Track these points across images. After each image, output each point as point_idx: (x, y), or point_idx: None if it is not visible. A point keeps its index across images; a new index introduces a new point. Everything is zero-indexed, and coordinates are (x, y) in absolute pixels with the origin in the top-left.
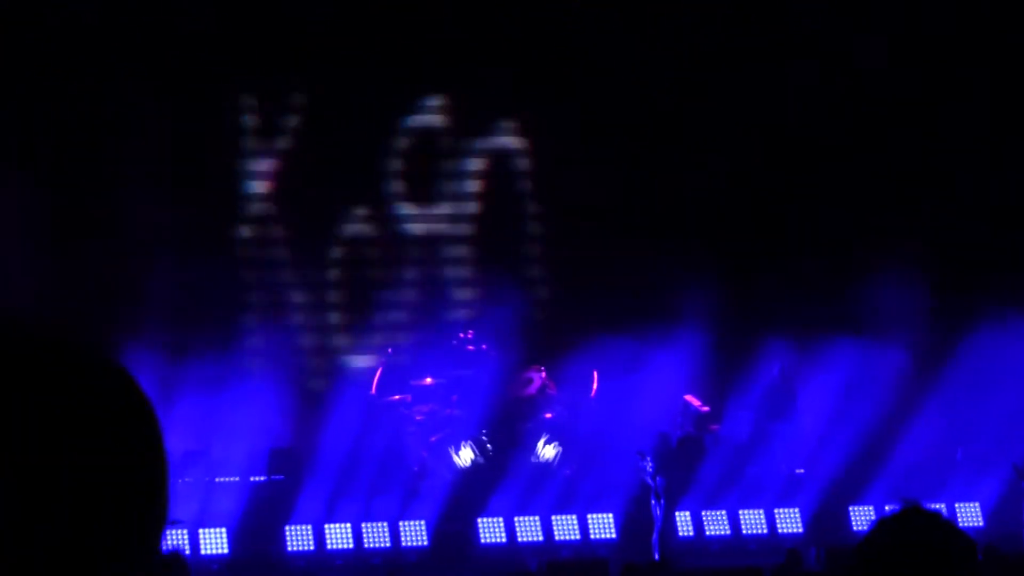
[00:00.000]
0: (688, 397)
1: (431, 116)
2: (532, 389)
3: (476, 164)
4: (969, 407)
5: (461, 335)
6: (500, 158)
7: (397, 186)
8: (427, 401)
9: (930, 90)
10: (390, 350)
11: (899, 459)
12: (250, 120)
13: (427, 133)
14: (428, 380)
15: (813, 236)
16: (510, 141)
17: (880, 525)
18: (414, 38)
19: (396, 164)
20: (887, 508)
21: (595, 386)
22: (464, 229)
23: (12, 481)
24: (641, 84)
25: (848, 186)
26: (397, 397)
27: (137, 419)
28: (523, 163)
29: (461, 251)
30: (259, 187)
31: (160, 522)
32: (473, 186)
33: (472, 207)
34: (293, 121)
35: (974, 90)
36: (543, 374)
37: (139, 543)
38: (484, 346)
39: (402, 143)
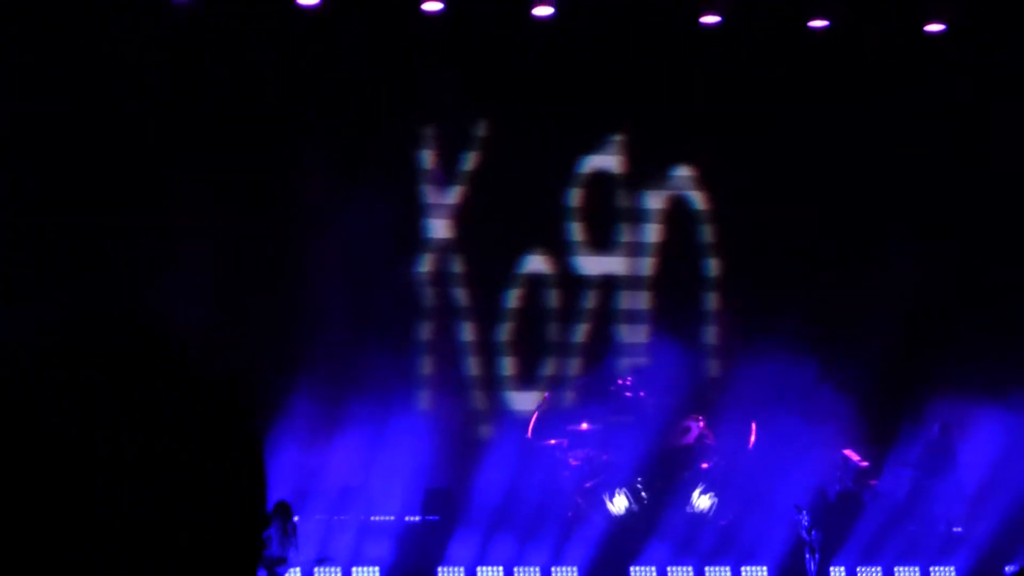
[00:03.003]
0: (847, 451)
1: (608, 157)
2: (690, 438)
3: (654, 205)
4: None
5: (620, 381)
6: (677, 200)
7: (575, 227)
8: (583, 446)
9: None
10: (547, 394)
11: None
12: (428, 155)
13: (604, 174)
14: (584, 425)
15: (983, 295)
16: (687, 183)
17: None
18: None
19: (574, 203)
20: (1008, 569)
21: (753, 438)
22: (640, 269)
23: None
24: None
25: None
26: (553, 441)
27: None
28: (701, 205)
29: (634, 296)
30: (438, 221)
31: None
32: (652, 229)
33: (649, 249)
34: (472, 155)
35: None
36: (701, 423)
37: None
38: (641, 393)
39: (580, 183)
